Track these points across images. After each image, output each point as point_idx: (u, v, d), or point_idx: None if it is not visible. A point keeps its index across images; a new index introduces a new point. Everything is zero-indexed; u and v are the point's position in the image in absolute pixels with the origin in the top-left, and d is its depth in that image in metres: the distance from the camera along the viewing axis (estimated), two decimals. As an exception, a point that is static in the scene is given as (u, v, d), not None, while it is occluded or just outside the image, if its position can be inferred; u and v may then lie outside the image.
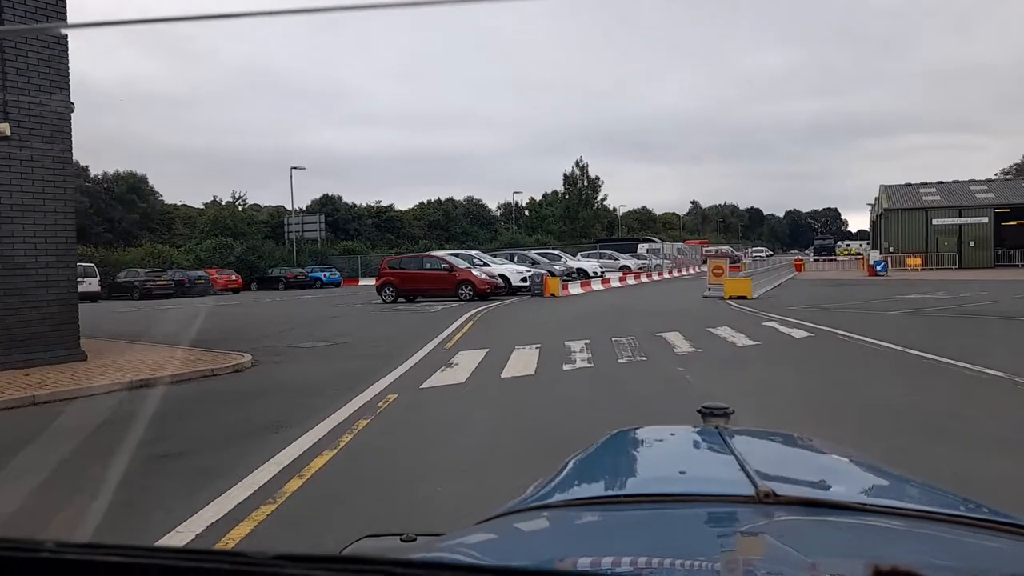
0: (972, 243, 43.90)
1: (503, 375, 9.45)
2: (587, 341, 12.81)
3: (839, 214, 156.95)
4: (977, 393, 7.77)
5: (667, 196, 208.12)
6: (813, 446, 1.61)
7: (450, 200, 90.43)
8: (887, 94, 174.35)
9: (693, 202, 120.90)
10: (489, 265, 26.77)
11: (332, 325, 17.07)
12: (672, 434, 1.64)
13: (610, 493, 1.20)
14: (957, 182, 49.66)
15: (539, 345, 12.37)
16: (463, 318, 18.09)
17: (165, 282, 36.90)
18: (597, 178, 76.88)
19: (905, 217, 45.89)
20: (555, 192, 78.83)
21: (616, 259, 42.63)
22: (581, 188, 76.78)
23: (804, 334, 13.47)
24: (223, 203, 71.67)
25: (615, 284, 33.30)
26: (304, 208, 71.08)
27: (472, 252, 28.76)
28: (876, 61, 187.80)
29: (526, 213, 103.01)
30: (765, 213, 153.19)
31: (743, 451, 1.29)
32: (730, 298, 23.10)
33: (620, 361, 10.70)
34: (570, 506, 1.15)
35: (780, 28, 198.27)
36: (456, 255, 26.62)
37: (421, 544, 1.15)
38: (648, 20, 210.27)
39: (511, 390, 8.55)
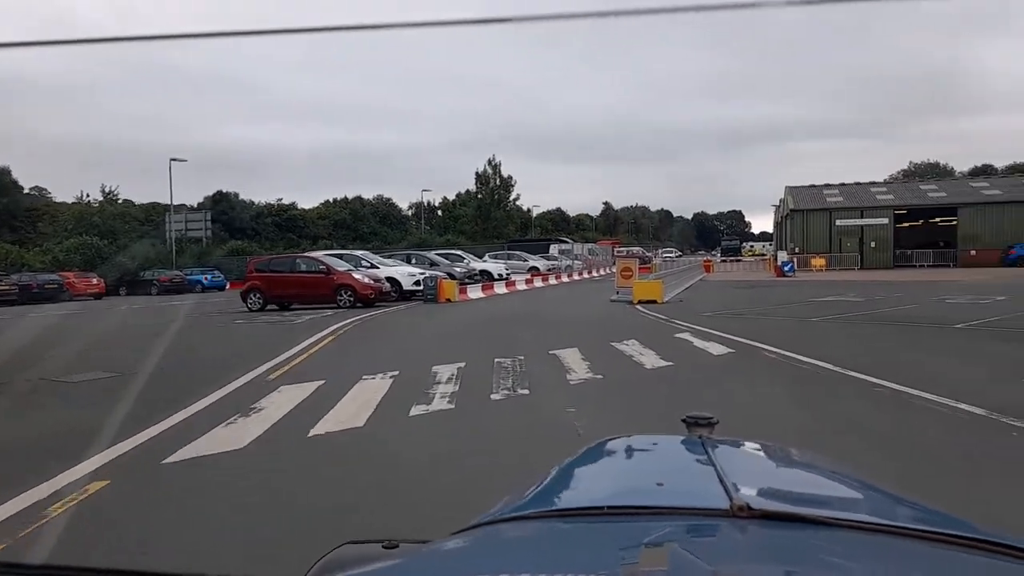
0: (873, 244, 44.02)
1: (314, 430, 6.45)
2: (462, 364, 9.97)
3: (743, 216, 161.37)
4: (967, 444, 5.41)
5: (581, 197, 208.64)
6: (799, 459, 1.60)
7: (358, 199, 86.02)
8: (788, 101, 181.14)
9: (605, 203, 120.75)
10: (377, 267, 23.56)
11: (157, 343, 13.53)
12: (656, 444, 1.62)
13: (587, 505, 1.16)
14: (858, 184, 50.05)
15: (396, 372, 9.43)
16: (325, 332, 14.90)
17: (7, 287, 31.63)
18: (510, 177, 74.57)
19: (810, 218, 45.63)
20: (468, 191, 75.97)
21: (525, 260, 40.18)
22: (494, 187, 74.25)
23: (723, 350, 11.11)
24: (89, 200, 64.14)
25: (521, 287, 30.73)
26: (195, 205, 65.30)
27: (359, 252, 25.44)
28: (778, 69, 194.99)
29: (439, 213, 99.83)
30: (675, 215, 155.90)
31: (724, 462, 1.26)
32: (639, 302, 20.88)
33: (494, 397, 7.91)
34: (547, 517, 1.14)
35: (689, 36, 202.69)
36: (338, 255, 23.28)
37: (403, 551, 1.13)
38: (564, 24, 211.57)
39: (310, 462, 5.58)
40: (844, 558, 0.91)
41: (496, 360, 10.31)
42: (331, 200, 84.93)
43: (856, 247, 44.11)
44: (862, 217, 44.51)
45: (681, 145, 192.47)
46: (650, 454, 1.59)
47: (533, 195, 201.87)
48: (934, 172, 75.88)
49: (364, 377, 9.08)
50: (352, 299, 20.44)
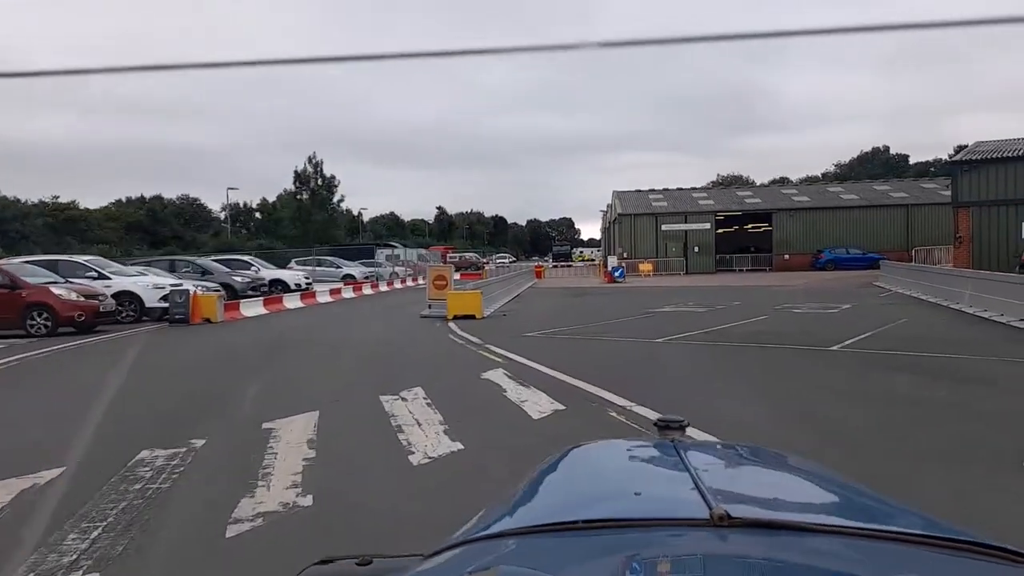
0: (697, 249, 43.54)
1: None
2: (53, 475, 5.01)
3: (573, 223, 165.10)
4: None
5: (417, 203, 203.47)
6: (774, 461, 1.50)
7: (157, 198, 74.99)
8: (613, 115, 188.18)
9: (439, 208, 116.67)
10: (109, 277, 17.34)
11: None
12: (628, 449, 1.57)
13: (565, 519, 1.08)
14: (681, 189, 49.89)
15: None
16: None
17: None
18: (332, 177, 67.96)
19: (637, 222, 44.37)
20: (286, 191, 68.20)
21: (339, 267, 34.73)
22: (315, 188, 67.29)
23: (549, 405, 7.07)
24: None
25: (324, 299, 25.45)
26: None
27: (84, 258, 18.88)
28: (603, 84, 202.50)
29: (257, 215, 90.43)
30: (509, 221, 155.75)
31: (699, 468, 1.22)
32: (455, 318, 16.70)
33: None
34: (525, 534, 1.07)
35: (519, 46, 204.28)
36: (36, 262, 16.75)
37: (377, 568, 1.12)
38: (400, 27, 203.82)
39: None
40: (830, 565, 0.88)
41: (123, 471, 5.44)
42: (123, 199, 73.26)
43: (681, 252, 43.43)
44: (686, 222, 43.95)
45: (514, 153, 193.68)
46: (624, 461, 1.52)
47: (366, 199, 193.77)
48: (740, 183, 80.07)
49: None
50: (49, 323, 14.25)
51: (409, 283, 38.58)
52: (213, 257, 26.80)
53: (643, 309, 18.15)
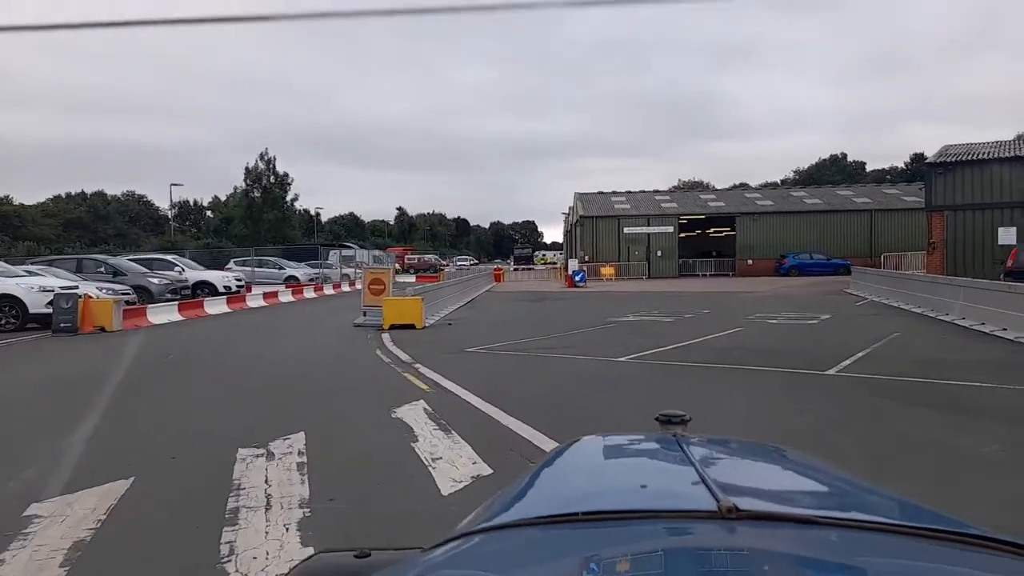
0: (660, 253, 41.99)
1: None
2: None
3: (536, 226, 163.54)
4: None
5: (380, 204, 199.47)
6: (776, 456, 1.50)
7: (99, 194, 70.81)
8: (577, 120, 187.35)
9: (399, 208, 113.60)
10: (-14, 278, 14.70)
11: None
12: (632, 443, 1.53)
13: (571, 511, 1.05)
14: (643, 192, 48.36)
15: None
16: None
17: None
18: (286, 175, 64.80)
19: (599, 225, 42.63)
20: (236, 189, 64.76)
21: (281, 269, 32.12)
22: (268, 186, 64.10)
23: (470, 465, 5.05)
24: None
25: (256, 303, 22.98)
26: None
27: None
28: (568, 90, 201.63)
29: (209, 214, 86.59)
30: (472, 223, 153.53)
31: (703, 461, 1.21)
32: (392, 327, 14.55)
33: None
34: (531, 525, 1.05)
35: (486, 49, 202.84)
36: None
37: (375, 561, 1.10)
38: (359, 26, 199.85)
39: None
40: (839, 557, 0.87)
41: None
42: (62, 195, 69.00)
43: (644, 255, 41.84)
44: (649, 225, 42.37)
45: (478, 155, 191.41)
46: (628, 455, 1.50)
47: (329, 199, 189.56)
48: (702, 188, 79.28)
49: None
50: None
51: (359, 286, 36.08)
52: (131, 256, 24.03)
53: (604, 318, 16.22)
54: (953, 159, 23.28)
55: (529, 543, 0.98)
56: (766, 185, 77.56)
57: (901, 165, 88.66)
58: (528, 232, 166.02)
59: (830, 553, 0.87)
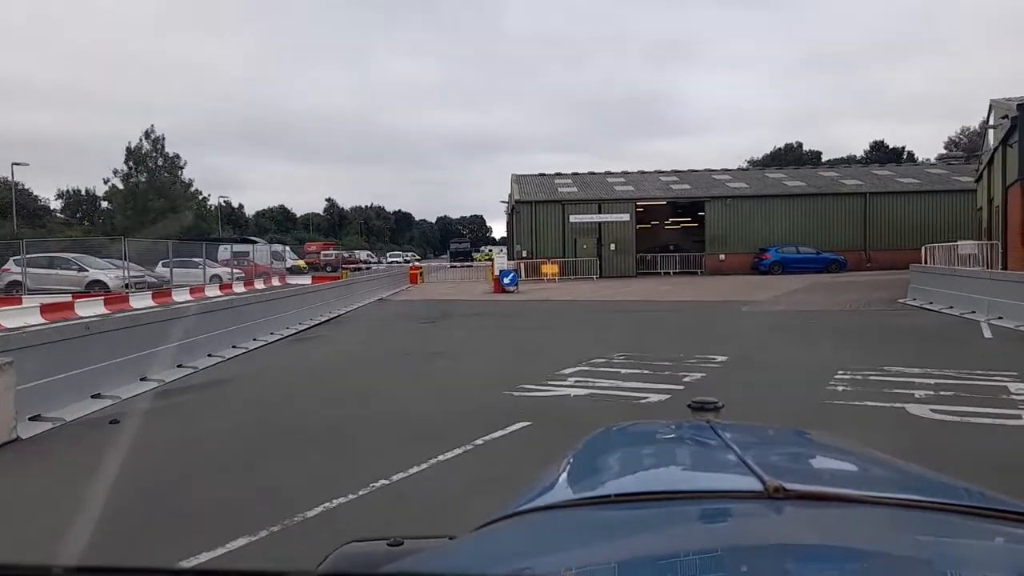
0: (613, 246, 33.26)
1: None
2: None
3: (485, 221, 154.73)
4: None
5: (315, 197, 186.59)
6: (808, 439, 1.50)
7: (-46, 180, 58.18)
8: (521, 114, 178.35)
9: (328, 200, 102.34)
10: None
11: None
12: (665, 429, 1.50)
13: (616, 492, 1.03)
14: (593, 174, 39.52)
15: None
16: None
17: None
18: (177, 157, 53.83)
19: (539, 212, 33.63)
20: (116, 171, 53.22)
21: (85, 270, 21.99)
22: (154, 169, 53.05)
23: None
24: None
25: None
26: None
27: None
28: (512, 83, 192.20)
29: (104, 204, 74.22)
30: (417, 218, 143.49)
31: (740, 445, 1.19)
32: None
33: None
34: (568, 507, 1.01)
35: (428, 41, 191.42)
36: None
37: (408, 548, 1.08)
38: (291, 11, 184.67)
39: None
40: (885, 535, 0.86)
41: None
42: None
43: (594, 249, 33.05)
44: (600, 212, 33.56)
45: (426, 150, 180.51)
46: (665, 439, 1.46)
47: (264, 195, 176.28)
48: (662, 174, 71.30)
49: None
50: None
51: (216, 292, 26.08)
52: None
53: (511, 387, 7.06)
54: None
55: (570, 523, 0.94)
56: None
57: (860, 154, 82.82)
58: (476, 227, 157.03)
59: (877, 530, 0.86)
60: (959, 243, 20.62)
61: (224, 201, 71.69)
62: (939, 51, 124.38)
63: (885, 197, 32.92)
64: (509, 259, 33.66)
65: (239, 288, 27.43)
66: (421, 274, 33.91)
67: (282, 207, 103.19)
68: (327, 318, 15.82)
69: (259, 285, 30.50)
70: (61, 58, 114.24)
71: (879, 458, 1.26)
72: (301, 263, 44.12)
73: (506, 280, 23.49)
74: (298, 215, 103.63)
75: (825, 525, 0.87)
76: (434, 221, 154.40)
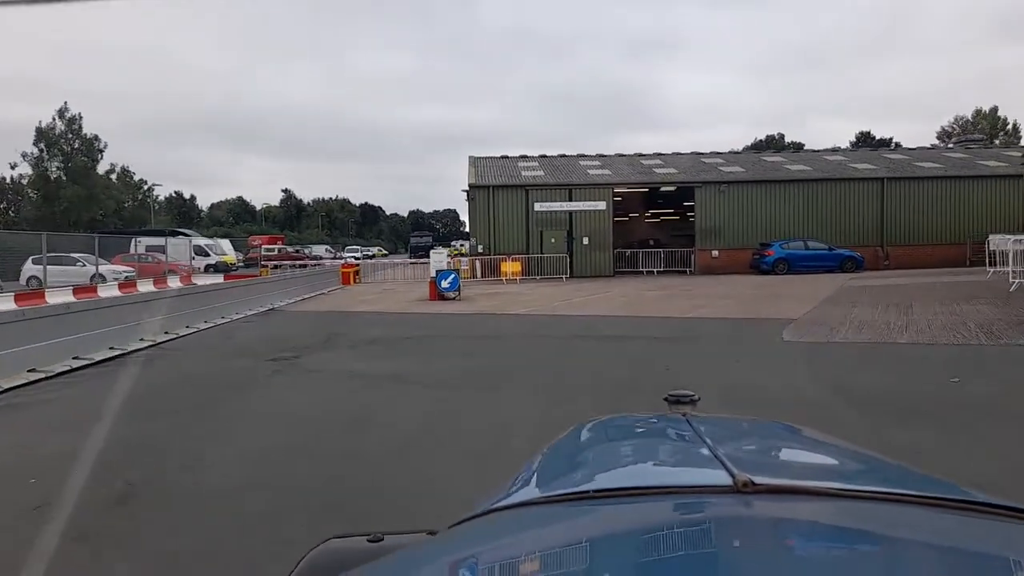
0: (587, 240, 27.59)
1: None
2: None
3: (459, 215, 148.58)
4: None
5: (280, 191, 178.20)
6: (785, 432, 1.48)
7: None
8: (495, 108, 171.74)
9: (285, 191, 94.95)
10: None
11: None
12: (641, 423, 1.53)
13: (587, 488, 1.04)
14: (564, 156, 33.74)
15: None
16: None
17: None
18: (96, 138, 46.96)
19: (499, 198, 27.81)
20: (25, 155, 46.18)
21: None
22: (69, 153, 46.15)
23: None
24: None
25: None
26: None
27: None
28: (487, 77, 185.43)
29: (31, 195, 66.78)
30: (388, 212, 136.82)
31: (713, 439, 1.19)
32: None
33: None
34: (542, 503, 1.02)
35: (398, 34, 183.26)
36: None
37: (388, 544, 1.07)
38: (261, 4, 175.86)
39: None
40: (859, 529, 0.86)
41: None
42: None
43: (564, 244, 27.36)
44: (571, 200, 27.85)
45: (398, 144, 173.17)
46: (639, 433, 1.48)
47: (230, 190, 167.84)
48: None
49: None
50: None
51: (115, 291, 19.73)
52: None
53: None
54: None
55: (541, 520, 0.95)
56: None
57: (845, 145, 78.40)
58: (449, 220, 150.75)
59: (846, 524, 0.86)
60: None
61: (175, 192, 64.69)
62: (917, 49, 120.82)
63: (905, 183, 27.65)
64: (472, 255, 27.94)
65: (110, 291, 21.18)
66: (357, 273, 27.88)
67: (240, 199, 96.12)
68: (217, 322, 9.92)
69: (146, 288, 24.30)
70: (11, 46, 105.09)
71: (855, 452, 1.24)
72: (229, 258, 37.78)
73: (444, 284, 17.63)
74: (256, 207, 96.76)
75: (793, 519, 0.86)
76: (406, 215, 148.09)
